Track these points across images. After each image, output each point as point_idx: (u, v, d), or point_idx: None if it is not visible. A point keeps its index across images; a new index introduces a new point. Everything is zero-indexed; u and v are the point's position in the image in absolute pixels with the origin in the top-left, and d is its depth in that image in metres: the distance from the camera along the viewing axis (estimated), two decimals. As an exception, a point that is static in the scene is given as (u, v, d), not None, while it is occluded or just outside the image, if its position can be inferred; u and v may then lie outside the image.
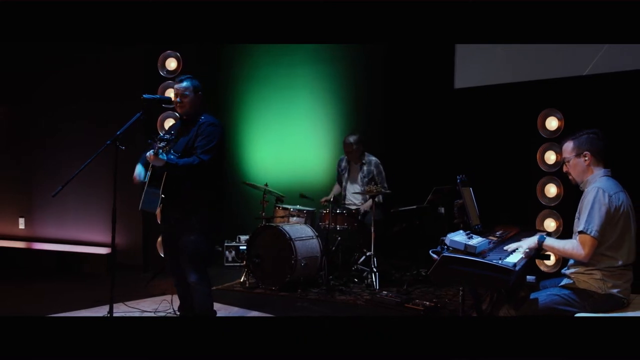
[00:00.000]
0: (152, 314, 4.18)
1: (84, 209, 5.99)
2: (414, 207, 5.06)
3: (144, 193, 3.55)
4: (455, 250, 2.56)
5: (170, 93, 5.60)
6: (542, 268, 4.88)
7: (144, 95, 3.60)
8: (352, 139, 5.50)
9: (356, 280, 5.23)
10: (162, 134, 3.34)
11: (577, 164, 2.84)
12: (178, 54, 5.59)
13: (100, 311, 4.18)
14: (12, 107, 6.43)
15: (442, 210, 4.93)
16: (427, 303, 4.36)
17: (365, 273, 5.18)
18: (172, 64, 5.60)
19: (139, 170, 3.62)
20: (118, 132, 3.46)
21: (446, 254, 2.54)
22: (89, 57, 6.05)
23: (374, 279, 5.01)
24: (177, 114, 5.53)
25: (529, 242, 2.78)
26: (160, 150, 3.26)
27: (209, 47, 6.35)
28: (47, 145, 6.21)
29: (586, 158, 2.81)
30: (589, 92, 5.05)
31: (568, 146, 2.86)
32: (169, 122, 5.57)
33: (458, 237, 2.62)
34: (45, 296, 4.86)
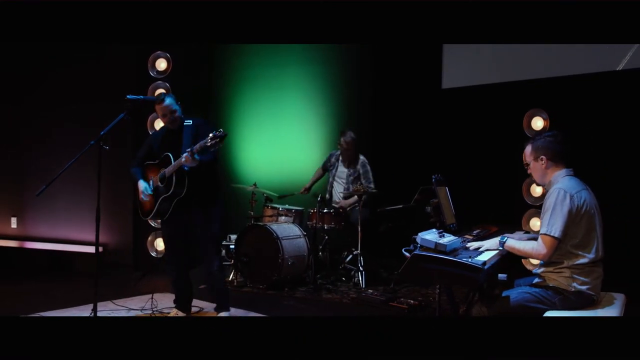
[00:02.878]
0: (138, 312, 4.22)
1: (76, 209, 6.02)
2: (401, 206, 5.09)
3: (160, 200, 3.85)
4: (426, 249, 2.60)
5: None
6: (528, 267, 4.91)
7: (127, 96, 3.68)
8: (353, 134, 5.50)
9: (344, 279, 5.28)
10: (215, 132, 3.59)
11: (535, 168, 2.88)
12: (168, 55, 5.64)
13: (88, 309, 4.20)
14: (4, 108, 6.47)
15: (429, 209, 4.95)
16: (412, 302, 4.40)
17: (353, 272, 5.23)
18: (162, 64, 5.65)
19: (144, 185, 3.94)
20: (102, 133, 3.51)
21: (417, 252, 2.58)
22: (82, 58, 6.08)
23: (360, 278, 5.05)
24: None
25: (491, 243, 2.82)
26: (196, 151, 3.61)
27: (200, 47, 6.39)
28: (39, 145, 6.25)
29: (542, 162, 2.84)
30: (575, 92, 5.08)
31: (527, 150, 2.91)
32: (158, 123, 5.61)
33: (429, 235, 2.66)
34: (36, 295, 4.90)
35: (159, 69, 5.64)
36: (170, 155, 3.78)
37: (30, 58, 6.29)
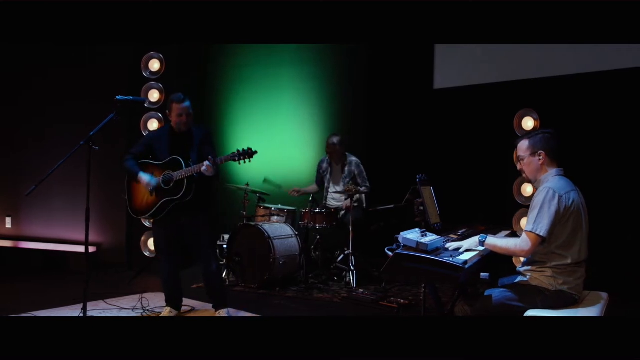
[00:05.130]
0: (130, 312, 4.25)
1: (70, 208, 6.05)
2: (392, 206, 5.11)
3: (163, 201, 3.86)
4: (408, 248, 2.62)
5: (154, 94, 5.68)
6: (517, 265, 4.93)
7: (117, 97, 3.70)
8: (335, 139, 5.57)
9: (336, 278, 5.30)
10: (238, 149, 3.77)
11: (531, 163, 2.87)
12: (161, 55, 5.66)
13: (80, 308, 4.23)
14: None
15: (421, 209, 4.98)
16: (402, 301, 4.42)
17: (344, 271, 5.25)
18: (155, 65, 5.66)
19: (149, 177, 3.92)
20: (91, 133, 3.53)
21: (399, 251, 2.61)
22: (77, 59, 6.11)
23: (351, 277, 5.08)
24: (160, 115, 5.68)
25: (470, 243, 2.81)
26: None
27: (193, 47, 6.40)
28: (34, 145, 6.27)
29: (540, 157, 2.84)
30: (565, 93, 5.10)
31: (523, 145, 2.89)
32: (152, 123, 5.64)
33: (411, 235, 2.68)
34: (30, 294, 4.92)
35: (153, 70, 5.65)
36: (181, 159, 3.83)
37: (26, 58, 6.31)
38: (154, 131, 4.13)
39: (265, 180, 5.71)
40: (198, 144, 3.91)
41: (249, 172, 6.46)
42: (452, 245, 2.79)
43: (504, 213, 5.09)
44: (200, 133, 3.98)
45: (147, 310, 4.26)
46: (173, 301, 4.09)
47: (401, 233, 2.68)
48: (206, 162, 3.67)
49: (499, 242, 2.78)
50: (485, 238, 2.77)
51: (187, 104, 3.90)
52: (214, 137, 4.08)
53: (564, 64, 5.13)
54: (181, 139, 3.94)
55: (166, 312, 4.08)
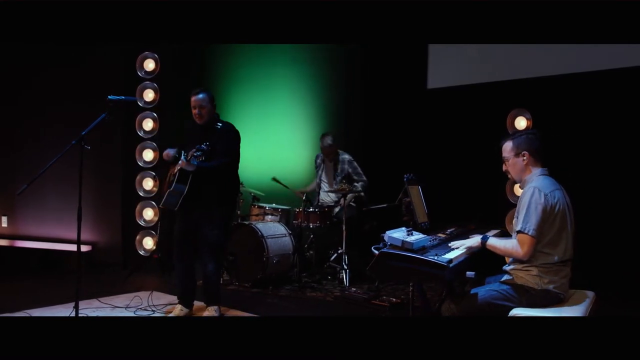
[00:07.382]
0: (123, 310, 4.28)
1: (66, 208, 6.05)
2: (385, 205, 5.13)
3: (167, 192, 3.88)
4: (393, 247, 2.65)
5: (149, 94, 5.71)
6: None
7: (108, 97, 3.71)
8: (329, 140, 5.57)
9: (329, 277, 5.33)
10: (199, 145, 3.78)
11: (515, 164, 2.90)
12: (156, 55, 5.69)
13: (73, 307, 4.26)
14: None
15: (411, 207, 5.00)
16: (394, 299, 4.45)
17: (338, 269, 5.27)
18: (150, 64, 5.70)
19: (173, 152, 3.91)
20: (83, 132, 3.55)
21: (384, 250, 2.63)
22: (72, 59, 6.13)
23: (344, 276, 5.10)
24: (154, 115, 5.71)
25: (472, 242, 2.86)
26: (192, 157, 3.73)
27: (188, 47, 6.43)
28: (30, 145, 6.29)
29: (524, 158, 2.86)
30: (558, 92, 5.13)
31: (507, 146, 2.92)
32: (147, 123, 5.67)
33: (397, 233, 2.70)
34: (25, 293, 4.95)
35: (147, 70, 5.69)
36: (183, 152, 3.86)
37: (23, 59, 6.33)
38: (193, 123, 4.13)
39: (274, 179, 5.72)
40: (215, 140, 3.89)
41: (245, 172, 6.48)
42: (454, 244, 2.83)
43: (496, 212, 5.11)
44: (221, 129, 3.97)
45: (141, 308, 4.29)
46: (184, 299, 4.07)
47: (387, 232, 2.70)
48: (182, 158, 3.74)
49: (499, 243, 2.81)
50: (487, 239, 2.80)
51: (199, 96, 3.93)
52: (234, 136, 3.99)
53: (557, 64, 5.16)
54: (203, 133, 3.95)
55: (177, 310, 4.07)
